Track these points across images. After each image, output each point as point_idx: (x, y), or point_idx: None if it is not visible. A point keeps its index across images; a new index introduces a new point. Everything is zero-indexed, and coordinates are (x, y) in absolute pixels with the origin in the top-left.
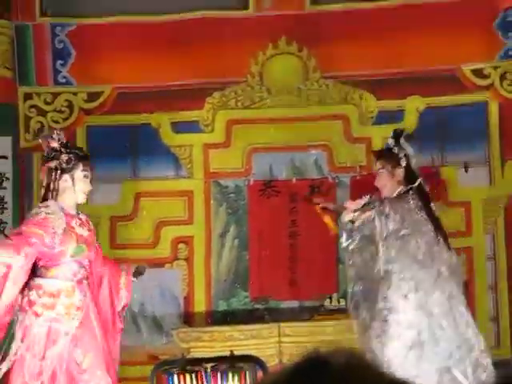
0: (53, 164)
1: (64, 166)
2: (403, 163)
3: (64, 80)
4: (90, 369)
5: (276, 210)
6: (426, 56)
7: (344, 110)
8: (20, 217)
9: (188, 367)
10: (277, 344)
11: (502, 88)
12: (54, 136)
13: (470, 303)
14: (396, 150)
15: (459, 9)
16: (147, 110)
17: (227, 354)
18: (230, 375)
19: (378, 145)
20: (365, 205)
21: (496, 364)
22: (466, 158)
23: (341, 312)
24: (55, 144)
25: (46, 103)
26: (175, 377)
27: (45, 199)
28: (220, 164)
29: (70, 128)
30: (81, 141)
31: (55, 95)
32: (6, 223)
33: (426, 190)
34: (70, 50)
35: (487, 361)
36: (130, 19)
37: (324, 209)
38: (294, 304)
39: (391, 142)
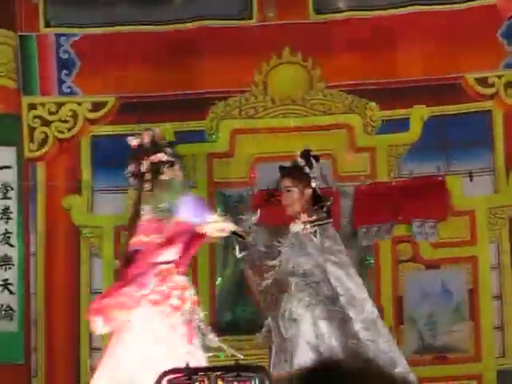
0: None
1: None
2: (313, 184)
3: (68, 90)
4: None
5: (280, 220)
6: (430, 65)
7: (348, 120)
8: (24, 226)
9: (194, 376)
10: None
11: (506, 97)
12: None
13: (475, 313)
14: (307, 169)
15: (463, 17)
16: (151, 120)
17: (233, 363)
18: None
19: (382, 154)
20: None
21: (502, 373)
22: (470, 166)
23: None
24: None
25: (51, 113)
26: None
27: None
28: (224, 174)
29: (75, 138)
30: (85, 150)
31: (59, 105)
32: (11, 233)
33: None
34: (74, 60)
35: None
36: (133, 29)
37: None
38: None
39: (301, 161)
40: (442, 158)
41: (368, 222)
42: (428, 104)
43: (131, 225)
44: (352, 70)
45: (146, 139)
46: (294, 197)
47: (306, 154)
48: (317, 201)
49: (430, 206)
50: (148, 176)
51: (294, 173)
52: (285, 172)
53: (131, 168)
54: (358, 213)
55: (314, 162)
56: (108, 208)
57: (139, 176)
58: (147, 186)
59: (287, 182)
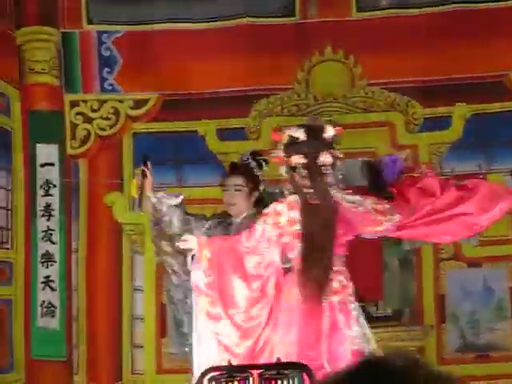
0: None
1: None
2: (261, 187)
3: (110, 87)
4: None
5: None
6: (472, 63)
7: (390, 118)
8: (67, 223)
9: (235, 374)
10: None
11: None
12: None
13: None
14: (256, 171)
15: (507, 15)
16: (193, 117)
17: (274, 361)
18: (279, 382)
19: (424, 152)
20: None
21: None
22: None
23: (387, 319)
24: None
25: (93, 110)
26: None
27: None
28: (266, 171)
29: (117, 135)
30: (127, 148)
31: (101, 102)
32: (53, 230)
33: None
34: (116, 58)
35: None
36: (176, 26)
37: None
38: None
39: (252, 162)
40: (483, 156)
41: None
42: (470, 102)
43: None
44: (394, 68)
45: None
46: (241, 196)
47: (255, 155)
48: (259, 204)
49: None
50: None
51: (247, 172)
52: (237, 170)
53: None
54: None
55: (263, 163)
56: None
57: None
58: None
59: (238, 180)
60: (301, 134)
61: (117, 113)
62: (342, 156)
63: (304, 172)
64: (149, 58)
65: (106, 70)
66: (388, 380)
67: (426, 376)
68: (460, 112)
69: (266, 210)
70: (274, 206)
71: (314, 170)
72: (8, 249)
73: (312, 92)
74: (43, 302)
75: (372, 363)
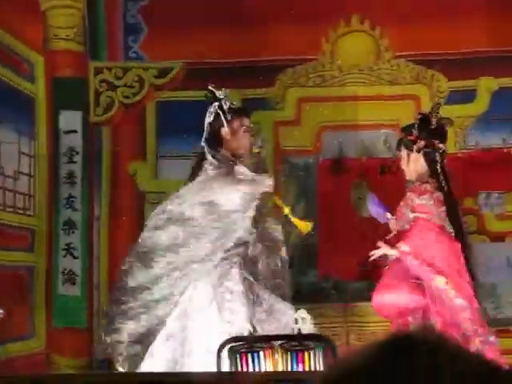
0: None
1: None
2: None
3: (135, 55)
4: None
5: (345, 189)
6: (498, 36)
7: (415, 90)
8: (89, 191)
9: (256, 344)
10: (344, 324)
11: None
12: None
13: None
14: None
15: None
16: (216, 86)
17: (295, 332)
18: (300, 354)
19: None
20: None
21: None
22: None
23: None
24: None
25: (117, 78)
26: (247, 355)
27: None
28: (290, 142)
29: (141, 103)
30: (150, 116)
31: (126, 70)
32: (75, 197)
33: None
34: (141, 26)
35: None
36: None
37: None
38: (362, 284)
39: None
40: (508, 130)
41: None
42: (496, 75)
43: None
44: (419, 41)
45: None
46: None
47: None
48: None
49: (495, 178)
50: None
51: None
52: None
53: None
54: None
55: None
56: (173, 174)
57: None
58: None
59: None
60: None
61: (141, 81)
62: None
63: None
64: (174, 26)
65: (131, 37)
66: (424, 356)
67: (461, 353)
68: (486, 85)
69: None
70: None
71: None
72: (30, 215)
73: (337, 63)
74: (65, 269)
75: (405, 338)
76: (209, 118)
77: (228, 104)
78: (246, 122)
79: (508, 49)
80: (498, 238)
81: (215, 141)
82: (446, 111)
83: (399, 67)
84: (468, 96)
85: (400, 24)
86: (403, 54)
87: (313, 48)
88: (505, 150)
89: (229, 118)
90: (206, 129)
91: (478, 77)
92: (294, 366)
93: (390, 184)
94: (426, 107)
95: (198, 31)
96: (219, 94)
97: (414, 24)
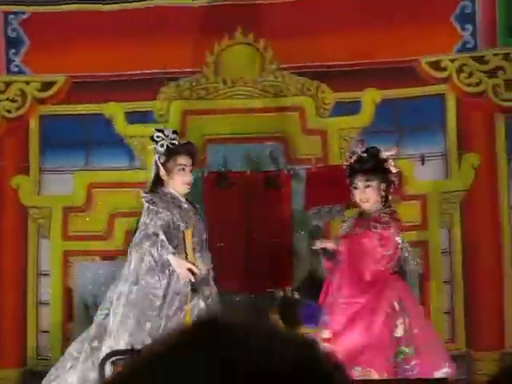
0: None
1: None
2: None
3: (17, 69)
4: None
5: (231, 202)
6: (383, 48)
7: (300, 102)
8: None
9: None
10: None
11: (459, 81)
12: None
13: (426, 297)
14: None
15: (417, 0)
16: (101, 100)
17: None
18: None
19: (334, 138)
20: None
21: (452, 358)
22: (422, 150)
23: None
24: None
25: None
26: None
27: None
28: None
29: (23, 118)
30: (33, 130)
31: (8, 84)
32: None
33: None
34: (23, 39)
35: None
36: (83, 8)
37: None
38: (247, 296)
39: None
40: (393, 141)
41: (319, 203)
42: (380, 87)
43: None
44: (304, 52)
45: None
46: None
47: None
48: None
49: None
50: None
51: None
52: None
53: None
54: (310, 195)
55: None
56: (56, 189)
57: None
58: None
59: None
60: None
61: (23, 95)
62: None
63: None
64: (56, 39)
65: (13, 51)
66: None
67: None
68: (370, 97)
69: None
70: None
71: None
72: None
73: (221, 76)
74: None
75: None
76: (154, 157)
77: (165, 146)
78: (182, 160)
79: (393, 60)
80: None
81: (158, 180)
82: (331, 123)
83: (284, 79)
84: (353, 108)
85: (284, 36)
86: (288, 65)
87: (197, 61)
88: None
89: (162, 160)
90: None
91: (363, 89)
92: None
93: (275, 197)
94: (311, 119)
95: (82, 44)
96: (157, 135)
97: (298, 36)
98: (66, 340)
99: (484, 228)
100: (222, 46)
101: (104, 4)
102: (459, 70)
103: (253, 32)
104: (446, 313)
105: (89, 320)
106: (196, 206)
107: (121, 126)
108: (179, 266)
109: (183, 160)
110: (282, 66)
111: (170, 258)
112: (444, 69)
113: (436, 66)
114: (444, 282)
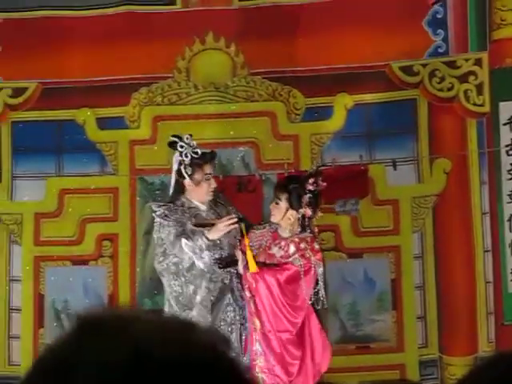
0: None
1: None
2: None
3: None
4: None
5: None
6: (355, 53)
7: (271, 107)
8: None
9: None
10: None
11: (430, 86)
12: None
13: (398, 302)
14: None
15: (388, 5)
16: (72, 106)
17: None
18: None
19: (305, 142)
20: None
21: (424, 363)
22: (394, 155)
23: None
24: None
25: None
26: None
27: None
28: (146, 161)
29: None
30: (5, 136)
31: None
32: None
33: None
34: None
35: None
36: (54, 14)
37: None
38: None
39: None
40: (365, 146)
41: (341, 197)
42: (352, 92)
43: None
44: (275, 58)
45: None
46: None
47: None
48: None
49: (351, 189)
50: None
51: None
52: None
53: None
54: (331, 192)
55: None
56: (28, 195)
57: None
58: None
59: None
60: None
61: None
62: None
63: None
64: (28, 45)
65: None
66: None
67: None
68: (342, 102)
69: None
70: None
71: None
72: None
73: (193, 81)
74: None
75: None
76: (174, 166)
77: (189, 156)
78: (208, 169)
79: (364, 65)
80: (356, 254)
81: (178, 188)
82: (303, 128)
83: (255, 84)
84: (325, 113)
85: (255, 41)
86: (259, 70)
87: (168, 66)
88: (361, 167)
89: (189, 172)
90: (172, 176)
91: (335, 93)
92: None
93: (247, 201)
94: (282, 124)
95: (53, 50)
96: (180, 145)
97: (269, 41)
98: (37, 346)
99: (456, 233)
100: (194, 51)
101: (76, 10)
102: (431, 75)
103: (224, 37)
104: (418, 318)
105: (60, 326)
106: (229, 206)
107: (92, 132)
108: (217, 230)
109: (209, 169)
110: (253, 71)
111: (206, 234)
112: (416, 73)
113: (408, 70)
114: (416, 287)
